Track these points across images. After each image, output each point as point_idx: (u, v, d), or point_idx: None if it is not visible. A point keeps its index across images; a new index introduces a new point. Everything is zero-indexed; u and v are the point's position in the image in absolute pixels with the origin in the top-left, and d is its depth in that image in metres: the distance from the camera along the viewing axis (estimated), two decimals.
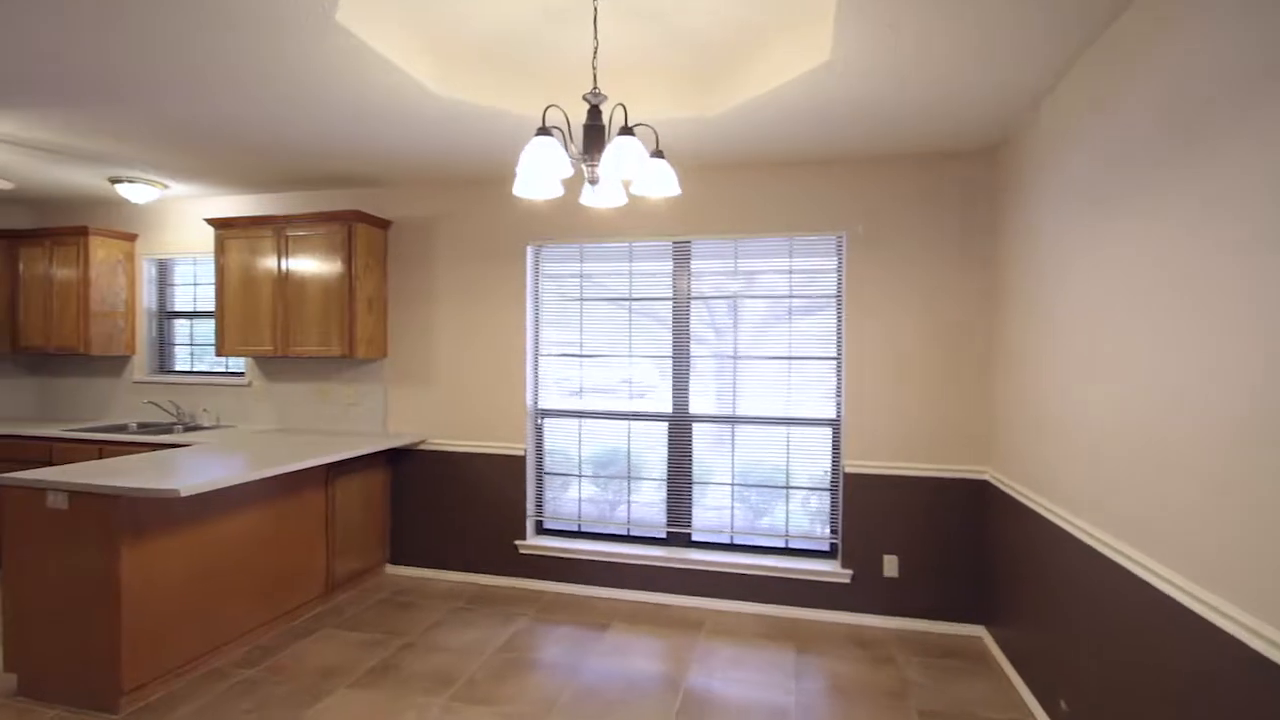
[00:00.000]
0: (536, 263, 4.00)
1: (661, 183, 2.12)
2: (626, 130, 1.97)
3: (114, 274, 4.51)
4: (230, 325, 4.09)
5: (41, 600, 2.65)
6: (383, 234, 4.13)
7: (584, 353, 3.95)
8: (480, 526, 4.05)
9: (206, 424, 4.49)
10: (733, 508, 3.79)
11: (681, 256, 3.78)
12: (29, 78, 2.57)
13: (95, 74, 2.52)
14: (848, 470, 3.50)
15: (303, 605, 3.48)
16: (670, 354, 3.82)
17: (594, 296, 3.92)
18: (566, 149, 2.02)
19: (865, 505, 3.49)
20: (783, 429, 3.67)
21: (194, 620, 2.86)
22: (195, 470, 2.88)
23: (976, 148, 3.27)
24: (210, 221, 4.08)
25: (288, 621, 3.39)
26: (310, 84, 2.60)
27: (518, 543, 3.96)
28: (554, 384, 4.02)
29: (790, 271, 3.64)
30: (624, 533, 3.95)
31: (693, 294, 3.77)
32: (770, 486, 3.73)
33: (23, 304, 4.49)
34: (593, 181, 2.18)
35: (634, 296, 3.86)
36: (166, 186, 4.26)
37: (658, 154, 2.13)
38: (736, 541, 3.78)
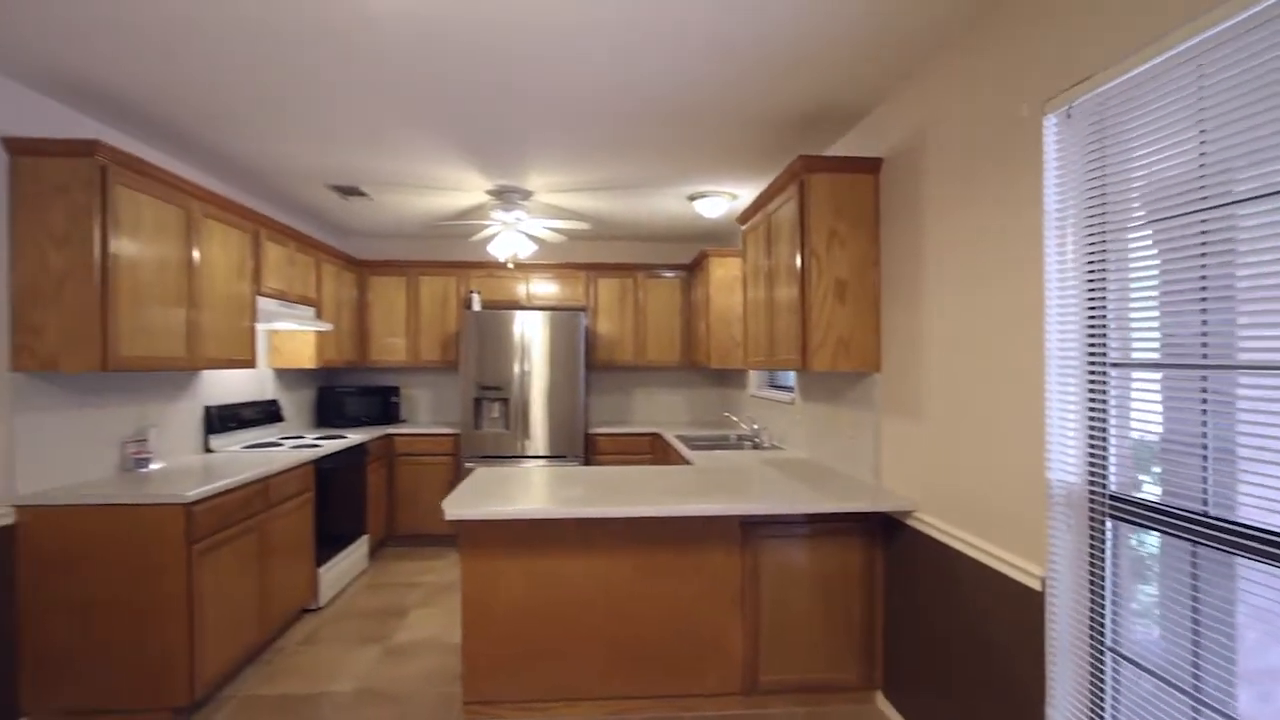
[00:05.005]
0: (1073, 152, 1.69)
1: None
2: None
3: (730, 290, 4.74)
4: (748, 332, 3.59)
5: None
6: (867, 183, 2.70)
7: (1208, 361, 1.40)
8: (977, 699, 2.04)
9: (766, 444, 4.08)
10: None
11: None
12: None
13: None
14: None
15: (700, 697, 2.61)
16: None
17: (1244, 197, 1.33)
18: None
19: None
20: None
21: (539, 660, 2.56)
22: (560, 494, 2.59)
23: None
24: (738, 219, 3.70)
25: (673, 709, 2.61)
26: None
27: None
28: (1134, 439, 1.60)
29: None
30: None
31: None
32: None
33: (688, 325, 5.35)
34: None
35: None
36: (735, 196, 4.15)
37: None
38: None
